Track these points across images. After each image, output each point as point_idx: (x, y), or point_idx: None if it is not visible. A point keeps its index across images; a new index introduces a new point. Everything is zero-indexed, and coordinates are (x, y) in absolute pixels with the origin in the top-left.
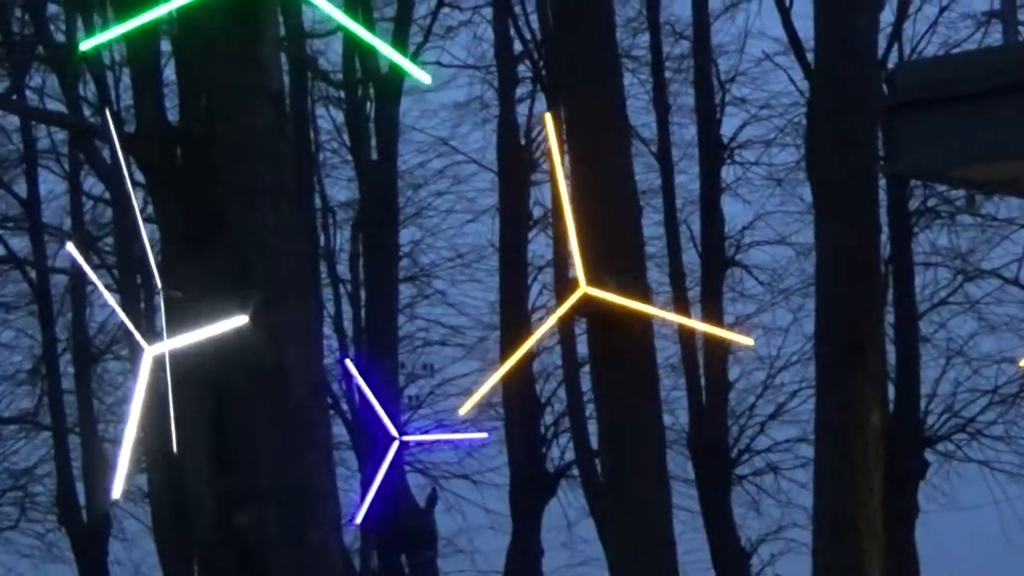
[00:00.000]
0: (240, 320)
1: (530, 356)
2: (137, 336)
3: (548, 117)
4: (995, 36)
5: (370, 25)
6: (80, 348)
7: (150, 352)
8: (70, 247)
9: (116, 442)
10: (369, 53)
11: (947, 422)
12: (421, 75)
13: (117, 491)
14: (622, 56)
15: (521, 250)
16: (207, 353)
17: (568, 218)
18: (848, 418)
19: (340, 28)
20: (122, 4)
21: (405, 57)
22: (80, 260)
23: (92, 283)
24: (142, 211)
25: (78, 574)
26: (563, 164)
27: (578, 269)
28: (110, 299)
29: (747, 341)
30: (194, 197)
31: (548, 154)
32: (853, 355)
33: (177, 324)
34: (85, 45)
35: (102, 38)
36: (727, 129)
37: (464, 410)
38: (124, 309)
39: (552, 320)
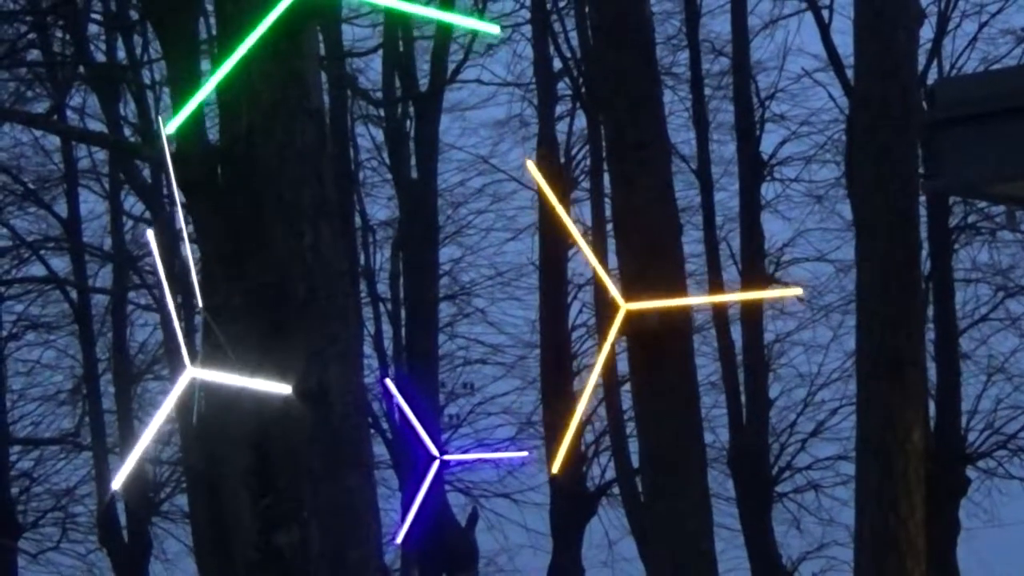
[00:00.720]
0: (284, 389)
1: (570, 374)
2: (184, 353)
3: (530, 164)
4: None
5: (409, 43)
6: (120, 368)
7: (190, 372)
8: (149, 235)
9: (156, 462)
10: (408, 71)
11: (988, 439)
12: (491, 28)
13: (118, 482)
14: (662, 73)
15: (561, 268)
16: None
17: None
18: (889, 435)
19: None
20: (163, 25)
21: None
22: (155, 248)
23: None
24: (181, 230)
25: None
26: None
27: (612, 289)
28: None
29: (796, 291)
30: (234, 215)
31: (540, 193)
32: (894, 372)
33: (215, 344)
34: (170, 128)
35: (184, 115)
36: (767, 146)
37: (556, 469)
38: (163, 328)
39: (606, 347)
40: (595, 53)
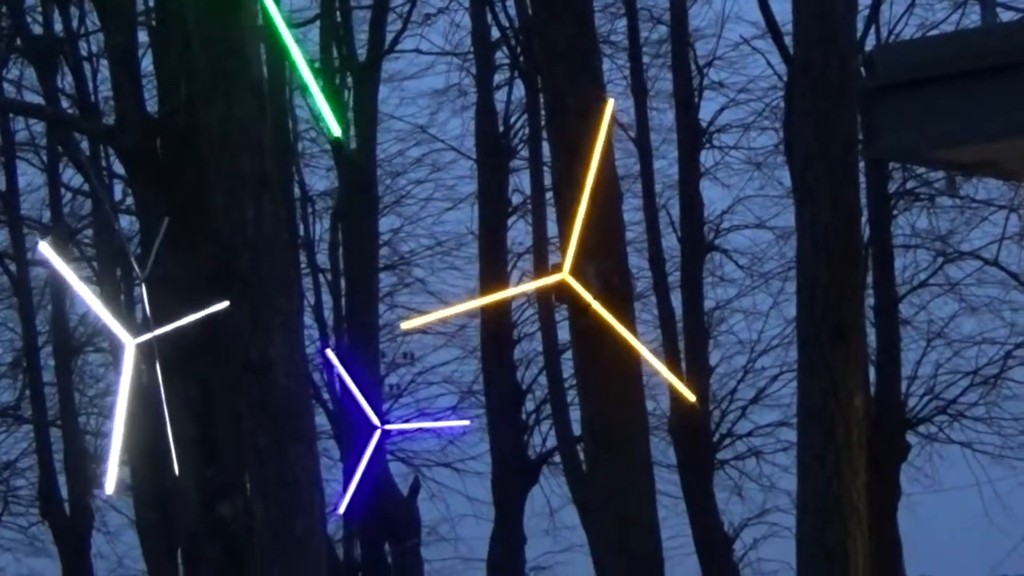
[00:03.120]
0: (221, 305)
1: (510, 343)
2: (119, 330)
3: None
4: (973, 17)
5: (347, 13)
6: (61, 341)
7: (132, 344)
8: (43, 247)
9: (98, 434)
10: (346, 42)
11: (928, 404)
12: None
13: (110, 487)
14: (600, 42)
15: (500, 237)
16: (193, 345)
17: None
18: (831, 401)
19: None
20: None
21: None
22: (55, 260)
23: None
24: (121, 203)
25: (61, 568)
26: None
27: (564, 255)
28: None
29: (690, 397)
30: (175, 187)
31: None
32: (835, 338)
33: (161, 314)
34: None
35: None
36: (705, 114)
37: (407, 326)
38: (105, 301)
39: (525, 288)
40: (534, 22)
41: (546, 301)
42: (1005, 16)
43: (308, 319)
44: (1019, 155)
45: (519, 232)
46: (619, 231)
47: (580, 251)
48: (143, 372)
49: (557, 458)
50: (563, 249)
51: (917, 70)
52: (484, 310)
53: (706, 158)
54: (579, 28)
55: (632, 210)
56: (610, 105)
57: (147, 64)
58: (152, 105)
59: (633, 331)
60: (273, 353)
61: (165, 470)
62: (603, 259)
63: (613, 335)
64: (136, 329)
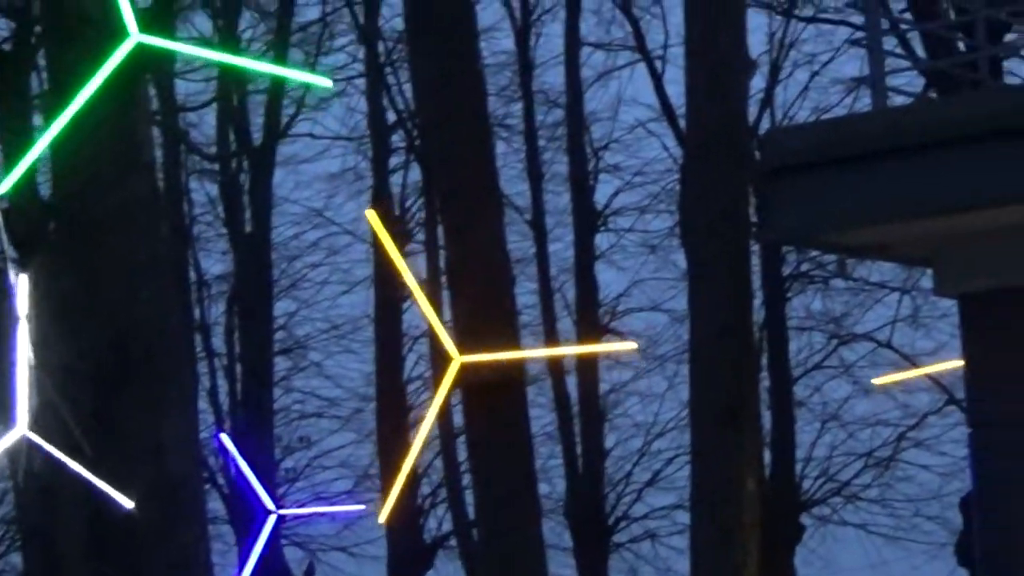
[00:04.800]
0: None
1: (407, 427)
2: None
3: (371, 213)
4: (865, 101)
5: (243, 97)
6: None
7: (20, 431)
8: None
9: None
10: (242, 126)
11: (823, 486)
12: (323, 81)
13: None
14: (495, 125)
15: (396, 321)
16: (83, 428)
17: (418, 293)
18: (723, 484)
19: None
20: None
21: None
22: None
23: None
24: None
25: None
26: (401, 252)
27: (446, 341)
28: None
29: (631, 345)
30: (68, 273)
31: (379, 244)
32: (727, 421)
33: (54, 400)
34: (3, 187)
35: (16, 174)
36: (601, 196)
37: (383, 517)
38: None
39: (438, 399)
40: (423, 106)
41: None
42: (896, 100)
43: (203, 403)
44: (910, 238)
45: (414, 316)
46: (512, 314)
47: (472, 332)
48: (32, 459)
49: (453, 541)
50: (457, 332)
51: (810, 153)
52: (379, 393)
53: (601, 241)
54: (471, 111)
55: (527, 293)
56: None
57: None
58: (46, 188)
59: (524, 415)
60: (165, 436)
61: (59, 556)
62: (496, 342)
63: (505, 419)
64: (26, 415)
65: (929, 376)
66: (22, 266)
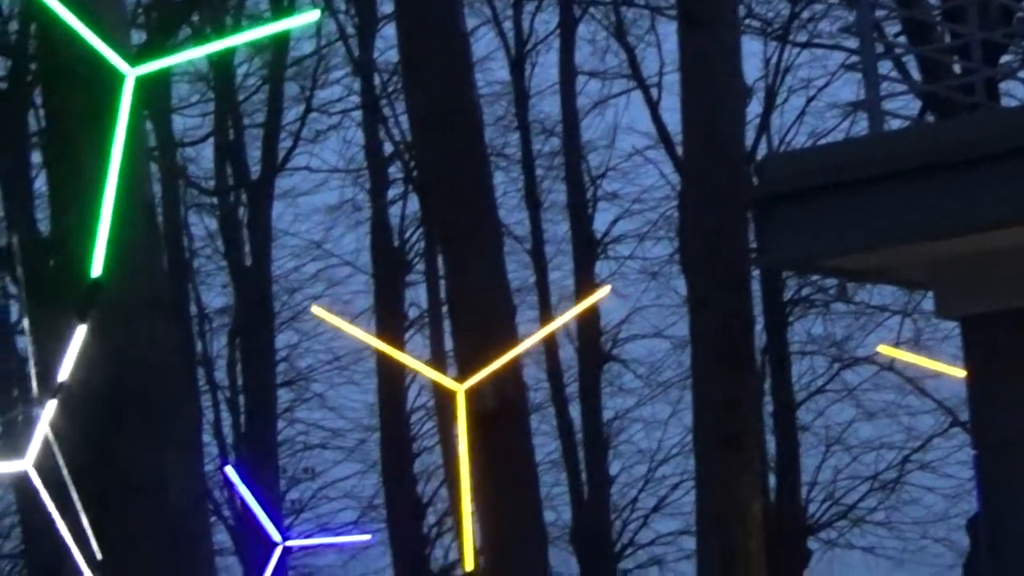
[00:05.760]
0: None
1: (410, 456)
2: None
3: (317, 309)
4: (861, 125)
5: (239, 131)
6: None
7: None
8: None
9: None
10: (240, 159)
11: (828, 510)
12: (309, 16)
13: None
14: (493, 155)
15: (398, 351)
16: (84, 466)
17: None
18: (728, 509)
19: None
20: None
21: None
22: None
23: None
24: (16, 323)
25: None
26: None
27: (443, 379)
28: None
29: (604, 290)
30: (67, 309)
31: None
32: (730, 446)
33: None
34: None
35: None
36: (600, 224)
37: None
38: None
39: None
40: (420, 139)
41: (444, 414)
42: (893, 124)
43: (207, 436)
44: (911, 262)
45: (416, 345)
46: (513, 343)
47: (476, 365)
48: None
49: (459, 571)
50: (459, 362)
51: (808, 179)
52: (383, 423)
53: (601, 269)
54: (467, 143)
55: (529, 322)
56: None
57: (40, 184)
58: (45, 224)
59: (528, 443)
60: (169, 473)
61: None
62: (498, 372)
63: (509, 447)
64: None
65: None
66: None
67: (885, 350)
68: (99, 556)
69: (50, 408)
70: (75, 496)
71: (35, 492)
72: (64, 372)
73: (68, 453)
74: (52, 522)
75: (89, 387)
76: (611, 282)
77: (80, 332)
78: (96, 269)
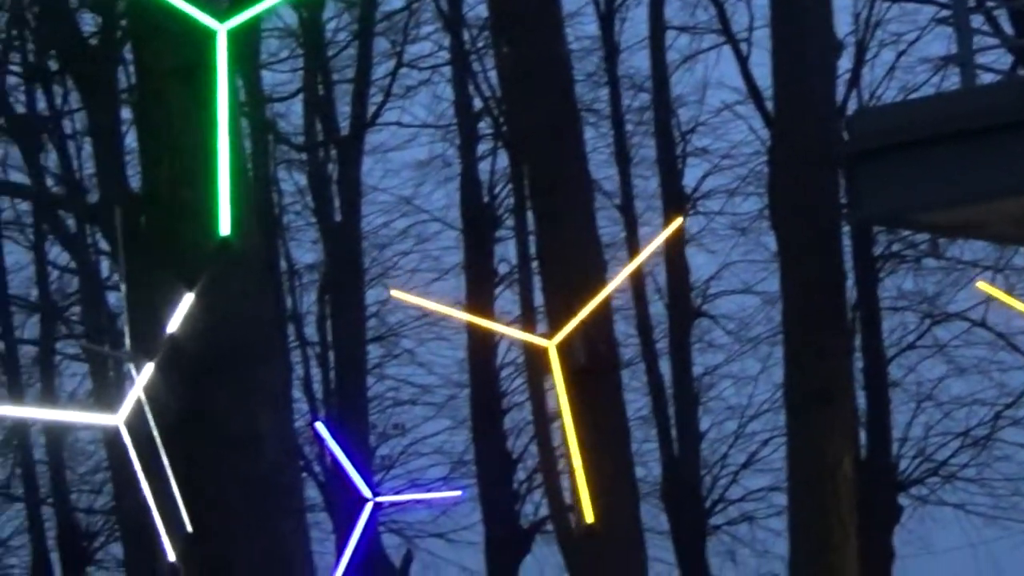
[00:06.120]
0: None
1: (500, 412)
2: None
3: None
4: (953, 79)
5: (329, 87)
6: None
7: (119, 420)
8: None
9: (89, 512)
10: (329, 115)
11: (920, 466)
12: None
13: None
14: (583, 110)
15: (488, 307)
16: (177, 421)
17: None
18: (819, 465)
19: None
20: (82, 75)
21: None
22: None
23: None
24: (107, 279)
25: None
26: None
27: (532, 338)
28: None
29: (676, 222)
30: (159, 265)
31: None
32: (821, 402)
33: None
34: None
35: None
36: (689, 180)
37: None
38: (93, 378)
39: (560, 389)
40: (512, 94)
41: (534, 370)
42: (985, 78)
43: (297, 392)
44: (1001, 217)
45: (506, 301)
46: (605, 298)
47: (566, 319)
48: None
49: (549, 526)
50: (550, 317)
51: (898, 134)
52: (473, 379)
53: (691, 224)
54: (558, 97)
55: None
56: None
57: (131, 141)
58: (137, 180)
59: (620, 399)
60: (261, 428)
61: (157, 548)
62: (589, 328)
63: (601, 403)
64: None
65: None
66: (116, 261)
67: (984, 287)
68: (189, 528)
69: (147, 368)
70: (164, 458)
71: (124, 449)
72: (170, 328)
73: (158, 411)
74: (138, 482)
75: (182, 343)
76: (700, 237)
77: (188, 296)
78: (224, 228)
